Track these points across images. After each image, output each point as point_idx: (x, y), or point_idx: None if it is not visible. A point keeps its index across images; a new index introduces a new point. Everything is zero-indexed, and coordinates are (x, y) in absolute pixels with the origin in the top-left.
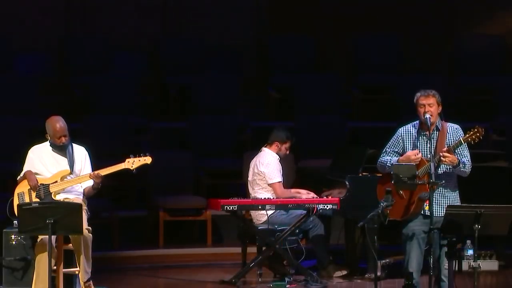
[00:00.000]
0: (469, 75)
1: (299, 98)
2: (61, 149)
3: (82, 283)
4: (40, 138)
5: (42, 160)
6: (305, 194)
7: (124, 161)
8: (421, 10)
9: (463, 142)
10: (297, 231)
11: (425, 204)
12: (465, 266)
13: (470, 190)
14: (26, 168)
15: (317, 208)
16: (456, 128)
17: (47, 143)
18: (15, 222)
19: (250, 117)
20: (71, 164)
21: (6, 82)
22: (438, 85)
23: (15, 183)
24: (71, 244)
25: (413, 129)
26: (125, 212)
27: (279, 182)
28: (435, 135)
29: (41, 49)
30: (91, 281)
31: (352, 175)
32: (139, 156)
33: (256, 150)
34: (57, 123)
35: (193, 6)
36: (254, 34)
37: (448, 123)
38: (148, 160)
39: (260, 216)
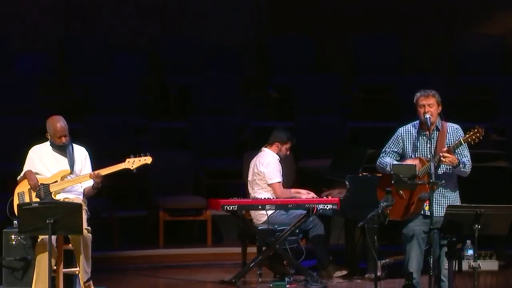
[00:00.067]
0: (469, 75)
1: (299, 98)
2: (61, 149)
3: (82, 283)
4: (40, 138)
5: (42, 160)
6: (305, 194)
7: (124, 161)
8: (421, 10)
9: (463, 143)
10: (297, 231)
11: (425, 204)
12: (465, 266)
13: (470, 190)
14: (26, 168)
15: (317, 208)
16: (456, 128)
17: (47, 143)
18: (15, 222)
19: (250, 117)
20: (71, 164)
21: (6, 82)
22: (438, 85)
23: (15, 183)
24: (71, 244)
25: (413, 129)
26: (125, 212)
27: (279, 182)
28: (435, 135)
29: (41, 49)
30: (91, 281)
31: (352, 175)
32: (139, 156)
33: (256, 150)
34: (58, 123)
35: (193, 6)
36: (254, 34)
37: (448, 123)
38: (148, 160)
39: (260, 216)
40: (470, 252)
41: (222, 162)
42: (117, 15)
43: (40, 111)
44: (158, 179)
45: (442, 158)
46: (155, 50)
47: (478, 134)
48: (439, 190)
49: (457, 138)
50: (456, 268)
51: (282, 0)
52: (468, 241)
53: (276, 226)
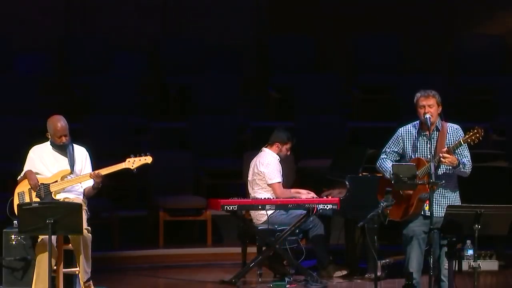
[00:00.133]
0: (469, 75)
1: (299, 98)
2: (62, 148)
3: (82, 283)
4: (40, 138)
5: (42, 160)
6: (305, 194)
7: (124, 160)
8: (421, 10)
9: (462, 143)
10: (297, 231)
11: (425, 204)
12: (465, 266)
13: (470, 190)
14: (26, 167)
15: (317, 208)
16: (456, 128)
17: (47, 143)
18: (15, 222)
19: (250, 117)
20: (72, 164)
21: (6, 82)
22: (438, 85)
23: (16, 183)
24: (71, 244)
25: (413, 129)
26: (125, 212)
27: (279, 182)
28: (435, 135)
29: (41, 49)
30: (91, 281)
31: (352, 175)
32: (140, 155)
33: (256, 150)
34: (58, 122)
35: (193, 6)
36: (254, 34)
37: (448, 123)
38: (148, 159)
39: (260, 216)
40: (470, 252)
41: (222, 162)
42: (117, 15)
43: (40, 111)
44: (158, 179)
45: (441, 158)
46: (155, 50)
47: (477, 135)
48: (439, 190)
49: (457, 139)
50: (456, 268)
51: (282, 0)
52: (468, 241)
53: (276, 226)
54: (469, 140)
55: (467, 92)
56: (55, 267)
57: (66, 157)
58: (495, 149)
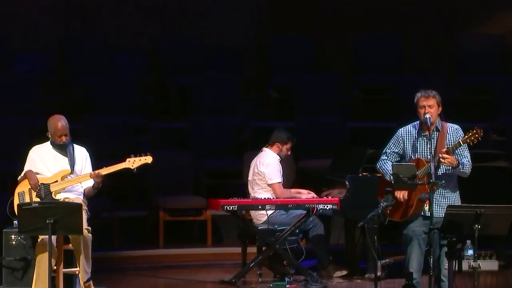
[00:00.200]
0: (469, 75)
1: (299, 98)
2: (62, 148)
3: (82, 283)
4: (40, 138)
5: (43, 160)
6: (305, 194)
7: (124, 160)
8: (421, 10)
9: (462, 144)
10: (297, 231)
11: (425, 204)
12: (465, 266)
13: (470, 190)
14: (26, 167)
15: (317, 208)
16: (456, 129)
17: (48, 143)
18: (15, 222)
19: (250, 117)
20: (72, 164)
21: (6, 82)
22: (438, 85)
23: (16, 183)
24: (71, 244)
25: (413, 129)
26: (125, 212)
27: (279, 182)
28: (435, 135)
29: (41, 49)
30: (91, 281)
31: (352, 175)
32: (140, 155)
33: (256, 150)
34: (59, 122)
35: (193, 6)
36: (254, 34)
37: (448, 123)
38: (148, 159)
39: (260, 216)
40: (470, 252)
41: (222, 162)
42: (117, 15)
43: (40, 111)
44: (158, 179)
45: (441, 159)
46: (155, 50)
47: (476, 135)
48: (439, 190)
49: (457, 139)
50: (456, 268)
51: (282, 0)
52: (468, 241)
53: (276, 226)
54: (468, 141)
55: (467, 92)
56: (55, 267)
57: (67, 157)
58: (495, 149)
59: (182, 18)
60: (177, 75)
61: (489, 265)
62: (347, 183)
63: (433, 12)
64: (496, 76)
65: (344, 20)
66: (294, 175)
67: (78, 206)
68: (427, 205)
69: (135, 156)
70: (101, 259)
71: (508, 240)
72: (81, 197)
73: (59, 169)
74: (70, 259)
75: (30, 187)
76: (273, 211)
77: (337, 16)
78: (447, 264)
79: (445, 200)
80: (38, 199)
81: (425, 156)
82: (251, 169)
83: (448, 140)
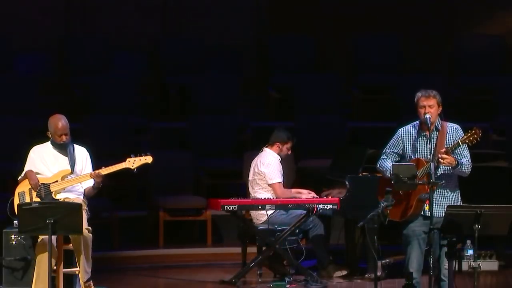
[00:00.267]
0: (469, 75)
1: (299, 98)
2: (62, 147)
3: (82, 283)
4: (40, 138)
5: (43, 160)
6: (305, 194)
7: (125, 160)
8: (421, 10)
9: (461, 144)
10: (297, 231)
11: (425, 204)
12: (465, 266)
13: (470, 190)
14: (27, 167)
15: (317, 208)
16: (456, 128)
17: (48, 143)
18: (15, 222)
19: (250, 117)
20: (72, 164)
21: (6, 82)
22: (438, 85)
23: (16, 183)
24: (71, 244)
25: (413, 129)
26: (125, 212)
27: (279, 182)
28: (434, 135)
29: (41, 49)
30: (91, 281)
31: (352, 175)
32: (140, 155)
33: (256, 150)
34: (59, 121)
35: (193, 6)
36: (254, 34)
37: (448, 123)
38: (149, 159)
39: (260, 216)
40: (470, 252)
41: (222, 162)
42: (117, 15)
43: (40, 111)
44: (158, 179)
45: (440, 159)
46: (155, 50)
47: (475, 135)
48: (439, 190)
49: (456, 138)
50: (456, 268)
51: (282, 0)
52: (468, 241)
53: (276, 226)
54: (467, 141)
55: (467, 92)
56: (55, 267)
57: (67, 157)
58: (495, 149)
59: (182, 18)
60: (177, 75)
61: (489, 265)
62: (347, 183)
63: (433, 12)
64: (496, 76)
65: (344, 20)
66: (294, 175)
67: (78, 206)
68: (427, 205)
69: (135, 156)
70: (101, 259)
71: (508, 240)
72: (81, 197)
73: (60, 169)
74: (70, 259)
75: (30, 187)
76: (273, 211)
77: (337, 16)
78: (447, 264)
79: (445, 200)
80: (38, 199)
81: (425, 156)
82: (252, 169)
83: (448, 140)
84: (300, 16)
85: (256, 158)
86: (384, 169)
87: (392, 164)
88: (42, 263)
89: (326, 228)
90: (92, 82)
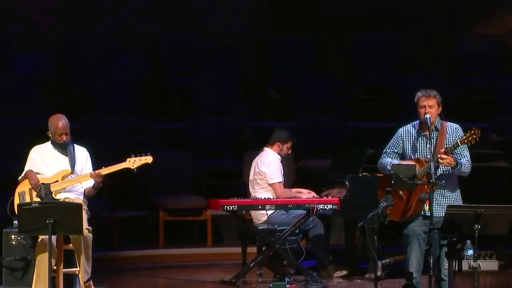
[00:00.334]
0: (469, 75)
1: (299, 98)
2: (62, 147)
3: (82, 283)
4: (40, 138)
5: (43, 160)
6: (305, 194)
7: (125, 160)
8: (421, 10)
9: (460, 144)
10: (297, 231)
11: (425, 204)
12: (465, 266)
13: (470, 190)
14: (27, 168)
15: (317, 208)
16: (455, 128)
17: (48, 143)
18: (15, 222)
19: (250, 117)
20: (72, 164)
21: (6, 82)
22: (438, 85)
23: (16, 183)
24: (71, 244)
25: (413, 129)
26: (125, 212)
27: (280, 182)
28: (434, 135)
29: (41, 49)
30: (91, 281)
31: (352, 175)
32: (140, 155)
33: (256, 150)
34: (60, 121)
35: (193, 6)
36: (254, 34)
37: (448, 123)
38: (149, 159)
39: (260, 216)
40: (470, 252)
41: (222, 162)
42: (117, 15)
43: (40, 111)
44: (158, 179)
45: (439, 159)
46: (155, 50)
47: (474, 136)
48: (439, 190)
49: (456, 138)
50: (456, 268)
51: (282, 0)
52: (468, 241)
53: (276, 226)
54: (466, 141)
55: (467, 92)
56: (55, 267)
57: (67, 157)
58: (495, 149)
59: (182, 18)
60: (177, 75)
61: (489, 265)
62: (347, 183)
63: (433, 12)
64: (496, 76)
65: (344, 20)
66: (294, 175)
67: (78, 206)
68: (427, 205)
69: (136, 156)
70: (101, 259)
71: (508, 240)
72: (82, 197)
73: (60, 169)
74: (70, 259)
75: (30, 187)
76: (273, 211)
77: (337, 16)
78: (447, 264)
79: (445, 200)
80: (38, 199)
81: (425, 156)
82: (252, 168)
83: (448, 140)
84: (300, 16)
85: (256, 158)
86: (384, 164)
87: (392, 164)
88: (42, 263)
89: (326, 228)
90: (92, 82)
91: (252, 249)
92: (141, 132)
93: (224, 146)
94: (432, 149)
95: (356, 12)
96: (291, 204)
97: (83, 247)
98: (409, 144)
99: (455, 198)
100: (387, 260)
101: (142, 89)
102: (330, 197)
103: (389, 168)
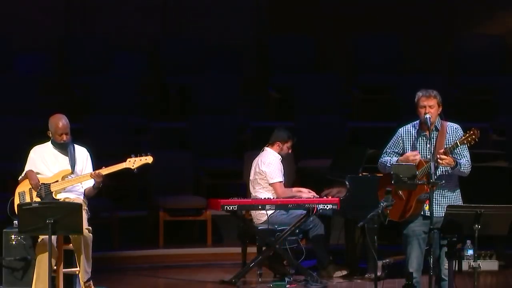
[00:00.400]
0: (469, 75)
1: (299, 98)
2: (62, 147)
3: (82, 283)
4: (40, 138)
5: (43, 160)
6: (306, 193)
7: (125, 160)
8: (421, 10)
9: (459, 145)
10: (297, 231)
11: (425, 204)
12: (465, 266)
13: (470, 190)
14: (27, 167)
15: (317, 208)
16: (455, 128)
17: (48, 143)
18: (15, 222)
19: (250, 117)
20: (73, 164)
21: (6, 82)
22: (438, 85)
23: (16, 183)
24: (71, 244)
25: (413, 129)
26: (125, 212)
27: (280, 182)
28: (434, 135)
29: (41, 49)
30: (91, 281)
31: (352, 175)
32: (140, 155)
33: (256, 150)
34: (60, 121)
35: (193, 6)
36: (254, 34)
37: (448, 123)
38: (149, 159)
39: (260, 216)
40: (470, 252)
41: (222, 162)
42: (117, 15)
43: (40, 111)
44: (158, 179)
45: (439, 160)
46: (155, 50)
47: (474, 136)
48: (439, 190)
49: (456, 138)
50: (456, 268)
51: (282, 0)
52: (468, 241)
53: (276, 226)
54: (465, 142)
55: (467, 92)
56: (55, 267)
57: (67, 157)
58: (495, 149)
59: (182, 18)
60: (177, 75)
61: (489, 265)
62: (347, 183)
63: (433, 12)
64: (496, 76)
65: (344, 20)
66: (294, 175)
67: (78, 206)
68: (427, 205)
69: (136, 156)
70: (101, 259)
71: (508, 240)
72: (82, 197)
73: (60, 169)
74: (70, 259)
75: (30, 187)
76: (273, 211)
77: (337, 16)
78: (447, 264)
79: (445, 200)
80: (38, 199)
81: (425, 156)
82: (253, 168)
83: (448, 140)
84: (300, 16)
85: (257, 158)
86: (384, 162)
87: (392, 164)
88: (42, 263)
89: (326, 228)
90: (92, 82)
91: (252, 249)
92: (141, 132)
93: (224, 146)
94: (432, 149)
95: (356, 12)
96: (291, 204)
97: (83, 247)
98: (409, 144)
99: (455, 198)
100: (387, 260)
101: (142, 89)
102: (330, 197)
103: (389, 165)
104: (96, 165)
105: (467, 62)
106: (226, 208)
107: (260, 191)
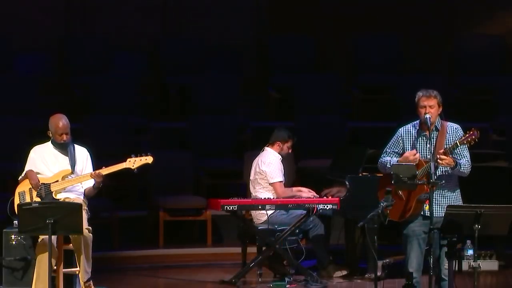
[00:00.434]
0: (469, 75)
1: (299, 98)
2: (63, 147)
3: (82, 283)
4: (40, 137)
5: (43, 160)
6: (306, 193)
7: (125, 160)
8: (421, 10)
9: (459, 145)
10: (297, 231)
11: (425, 204)
12: (465, 266)
13: (470, 190)
14: (27, 167)
15: (317, 208)
16: (456, 128)
17: (48, 143)
18: (15, 222)
19: (250, 117)
20: (73, 164)
21: (6, 82)
22: (438, 85)
23: (16, 183)
24: (71, 244)
25: (413, 129)
26: (125, 212)
27: (280, 181)
28: (434, 135)
29: (41, 49)
30: (91, 281)
31: (352, 175)
32: (140, 155)
33: (256, 150)
34: (60, 121)
35: (193, 6)
36: (254, 34)
37: (448, 123)
38: (149, 159)
39: (260, 216)
40: (470, 252)
41: (222, 162)
42: (117, 15)
43: (40, 111)
44: (158, 179)
45: (438, 160)
46: (155, 50)
47: (473, 136)
48: (439, 190)
49: (456, 139)
50: (456, 268)
51: (282, 0)
52: (468, 241)
53: (276, 226)
54: (465, 142)
55: (467, 92)
56: (55, 267)
57: (67, 157)
58: (495, 149)
59: (182, 18)
60: (177, 75)
61: (489, 265)
62: (347, 183)
63: (433, 12)
64: (496, 76)
65: (344, 20)
66: (294, 175)
67: (78, 206)
68: (427, 205)
69: (136, 156)
70: (101, 259)
71: (508, 240)
72: (82, 197)
73: (60, 169)
74: (70, 259)
75: (30, 186)
76: (273, 211)
77: (337, 16)
78: (447, 264)
79: (444, 200)
80: (38, 199)
81: (425, 156)
82: (253, 168)
83: (448, 140)
84: (300, 16)
85: (257, 158)
86: (384, 162)
87: (392, 164)
88: (42, 263)
89: (326, 228)
90: (92, 82)
91: (252, 249)
92: (141, 132)
93: (224, 146)
94: (432, 149)
95: (356, 12)
96: (291, 204)
97: (83, 247)
98: (409, 144)
99: (455, 198)
100: (387, 260)
101: (142, 89)
102: (330, 197)
103: (389, 166)
104: (96, 165)
105: (467, 62)
106: (226, 208)
107: (260, 191)
